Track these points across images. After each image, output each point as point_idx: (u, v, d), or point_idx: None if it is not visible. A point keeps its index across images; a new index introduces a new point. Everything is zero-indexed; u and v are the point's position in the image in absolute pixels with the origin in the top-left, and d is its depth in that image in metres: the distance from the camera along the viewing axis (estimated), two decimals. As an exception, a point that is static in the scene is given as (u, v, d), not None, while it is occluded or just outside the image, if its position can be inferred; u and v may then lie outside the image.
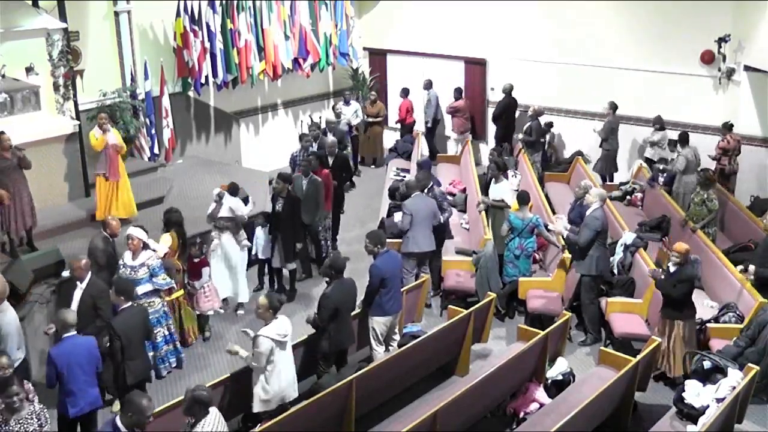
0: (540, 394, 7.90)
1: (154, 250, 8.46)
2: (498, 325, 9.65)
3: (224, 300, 9.97)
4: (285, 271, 10.35)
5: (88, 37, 12.05)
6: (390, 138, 16.33)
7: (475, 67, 15.52)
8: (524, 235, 9.59)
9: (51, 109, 10.63)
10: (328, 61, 15.48)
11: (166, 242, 8.84)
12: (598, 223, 8.97)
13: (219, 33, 13.18)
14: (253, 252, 10.26)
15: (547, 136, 14.46)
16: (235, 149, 14.69)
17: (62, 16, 10.59)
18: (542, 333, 8.01)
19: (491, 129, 15.27)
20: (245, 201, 10.45)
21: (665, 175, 12.49)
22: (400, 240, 9.72)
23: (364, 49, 16.80)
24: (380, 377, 7.53)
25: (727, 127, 12.15)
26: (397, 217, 10.15)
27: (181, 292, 9.01)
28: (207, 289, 9.32)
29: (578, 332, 9.52)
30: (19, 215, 9.17)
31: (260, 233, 10.21)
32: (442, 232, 10.11)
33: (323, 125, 14.24)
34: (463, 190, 12.95)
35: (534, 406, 7.78)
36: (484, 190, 11.67)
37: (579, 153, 14.19)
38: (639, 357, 7.60)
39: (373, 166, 15.96)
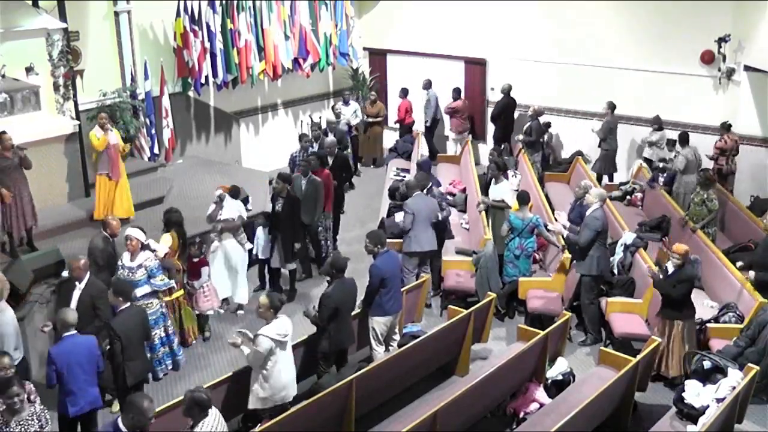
0: (540, 394, 7.90)
1: (154, 251, 8.47)
2: (498, 325, 9.65)
3: (224, 300, 9.98)
4: (284, 271, 10.35)
5: (88, 37, 12.04)
6: (390, 138, 16.30)
7: (475, 67, 15.51)
8: (524, 235, 9.59)
9: (51, 109, 10.62)
10: (328, 61, 15.47)
11: (166, 242, 8.85)
12: (598, 223, 8.97)
13: (219, 33, 13.17)
14: (254, 252, 10.26)
15: (545, 136, 14.46)
16: (235, 149, 14.69)
17: (62, 16, 10.59)
18: (542, 333, 8.01)
19: (491, 129, 15.27)
20: (245, 201, 10.46)
21: (665, 174, 12.50)
22: (401, 240, 9.73)
23: (364, 49, 16.79)
24: (380, 377, 7.53)
25: (725, 127, 12.15)
26: (398, 217, 10.15)
27: (181, 292, 9.01)
28: (206, 289, 9.33)
29: (578, 332, 9.53)
30: (20, 215, 9.17)
31: (261, 233, 10.20)
32: (442, 232, 10.11)
33: (324, 125, 14.25)
34: (463, 190, 12.93)
35: (534, 406, 7.78)
36: (484, 190, 11.66)
37: (579, 153, 14.18)
38: (639, 357, 7.60)
39: (373, 166, 15.95)
